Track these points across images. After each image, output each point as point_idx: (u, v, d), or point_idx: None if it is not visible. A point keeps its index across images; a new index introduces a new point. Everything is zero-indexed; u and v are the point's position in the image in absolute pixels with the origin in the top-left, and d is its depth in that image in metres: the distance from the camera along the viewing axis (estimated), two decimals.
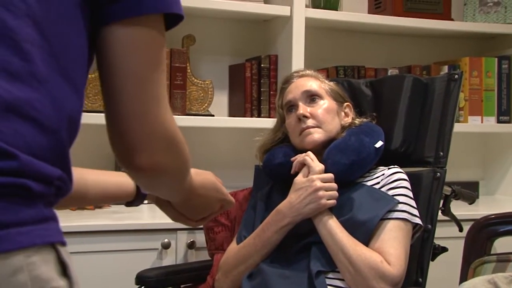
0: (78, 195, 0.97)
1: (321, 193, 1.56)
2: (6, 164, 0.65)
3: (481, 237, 1.50)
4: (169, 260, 2.01)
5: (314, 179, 1.58)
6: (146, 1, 0.77)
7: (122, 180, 1.13)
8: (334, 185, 1.60)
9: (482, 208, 2.47)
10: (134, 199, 1.16)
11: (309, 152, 1.65)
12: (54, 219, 0.71)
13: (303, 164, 1.63)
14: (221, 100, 2.55)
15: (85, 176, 1.08)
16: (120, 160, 0.82)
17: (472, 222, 1.72)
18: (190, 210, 1.11)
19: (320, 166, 1.61)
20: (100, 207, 2.22)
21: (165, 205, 1.11)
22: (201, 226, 1.94)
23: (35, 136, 0.68)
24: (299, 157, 1.65)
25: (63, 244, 0.71)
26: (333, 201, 1.58)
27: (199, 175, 1.08)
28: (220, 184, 1.15)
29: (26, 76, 0.69)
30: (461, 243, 1.71)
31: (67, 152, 0.74)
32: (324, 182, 1.58)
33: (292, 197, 1.60)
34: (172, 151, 0.84)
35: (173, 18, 0.81)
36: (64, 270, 0.70)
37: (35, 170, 0.67)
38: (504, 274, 1.03)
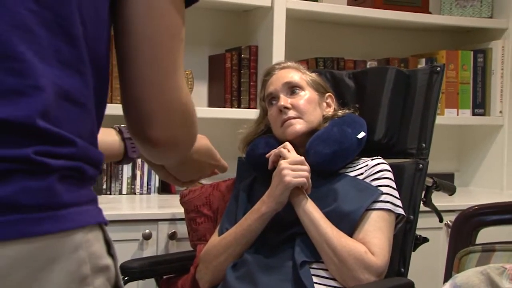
0: None
1: (285, 171, 1.55)
2: (67, 149, 0.67)
3: (467, 228, 1.53)
4: (150, 251, 1.99)
5: (281, 163, 1.58)
6: None
7: (110, 141, 1.11)
8: (302, 166, 1.57)
9: (458, 200, 2.50)
10: (122, 160, 1.13)
11: (286, 143, 1.64)
12: (97, 201, 0.73)
13: (279, 156, 1.62)
14: (201, 90, 2.54)
15: None
16: (133, 131, 0.79)
17: (449, 213, 1.74)
18: (182, 173, 1.11)
19: (297, 156, 1.59)
20: None
21: (156, 166, 1.10)
22: (183, 217, 1.94)
23: (84, 121, 0.71)
24: (275, 150, 1.63)
25: (106, 224, 0.73)
26: (300, 180, 1.55)
27: None
28: (214, 150, 1.16)
29: (74, 63, 0.69)
30: (441, 233, 1.74)
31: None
32: (293, 165, 1.57)
33: (271, 186, 1.60)
34: (187, 125, 0.81)
35: None
36: (108, 248, 0.73)
37: (88, 154, 0.70)
38: (496, 265, 1.06)
